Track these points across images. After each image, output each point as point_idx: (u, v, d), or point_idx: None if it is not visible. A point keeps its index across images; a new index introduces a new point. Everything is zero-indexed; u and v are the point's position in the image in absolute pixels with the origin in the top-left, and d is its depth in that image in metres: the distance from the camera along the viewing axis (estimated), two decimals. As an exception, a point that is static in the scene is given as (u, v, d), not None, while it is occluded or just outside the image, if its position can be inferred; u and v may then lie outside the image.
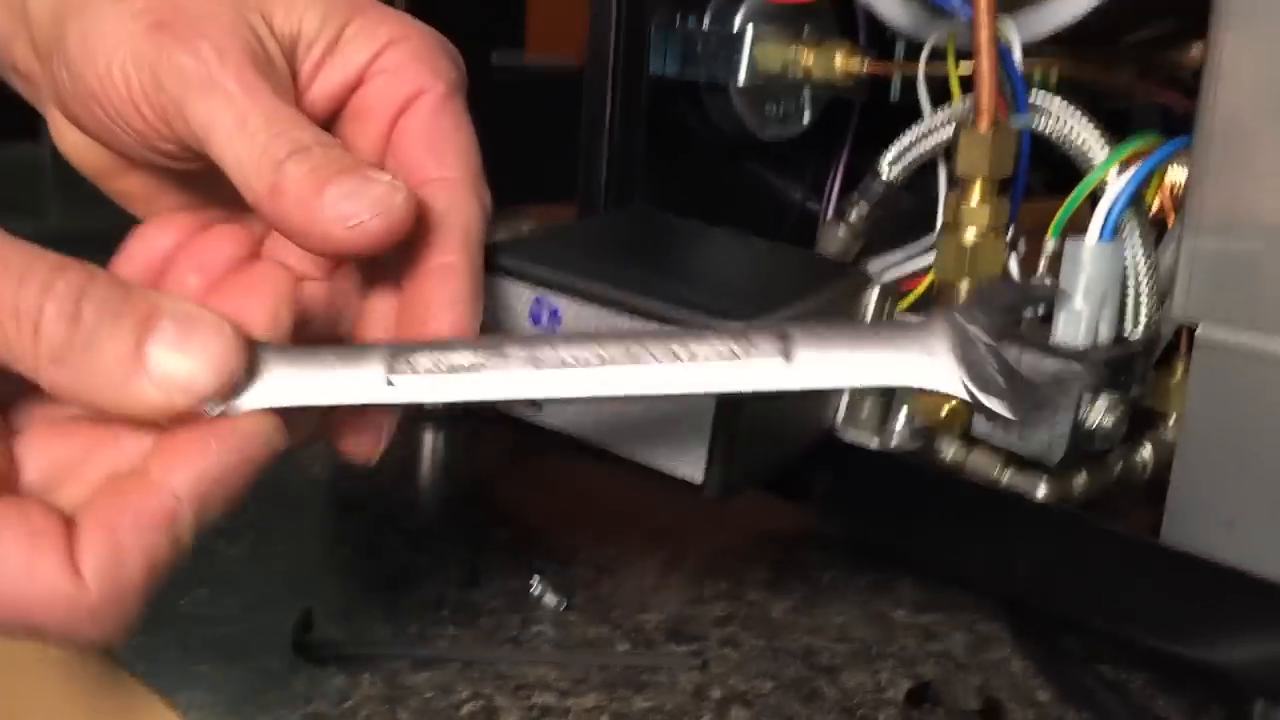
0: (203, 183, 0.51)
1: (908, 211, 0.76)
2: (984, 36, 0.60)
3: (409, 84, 0.49)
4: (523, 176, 0.73)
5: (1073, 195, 0.60)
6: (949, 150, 0.65)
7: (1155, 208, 0.66)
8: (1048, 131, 0.64)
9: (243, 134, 0.43)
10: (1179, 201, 0.63)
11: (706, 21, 0.76)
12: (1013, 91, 0.63)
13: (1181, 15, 0.64)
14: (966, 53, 0.70)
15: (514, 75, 1.41)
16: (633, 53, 0.74)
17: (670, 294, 0.55)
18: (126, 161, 0.50)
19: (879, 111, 0.85)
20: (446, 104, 0.50)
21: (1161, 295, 0.61)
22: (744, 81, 0.76)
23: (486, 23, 1.35)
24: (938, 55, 0.70)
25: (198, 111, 0.44)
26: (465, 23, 0.78)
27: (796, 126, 0.82)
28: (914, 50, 0.72)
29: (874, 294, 0.62)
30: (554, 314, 0.57)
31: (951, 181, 0.64)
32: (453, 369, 0.41)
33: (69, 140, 0.52)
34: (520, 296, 0.58)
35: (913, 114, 0.68)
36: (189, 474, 0.39)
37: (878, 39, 0.81)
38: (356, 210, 0.42)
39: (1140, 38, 0.72)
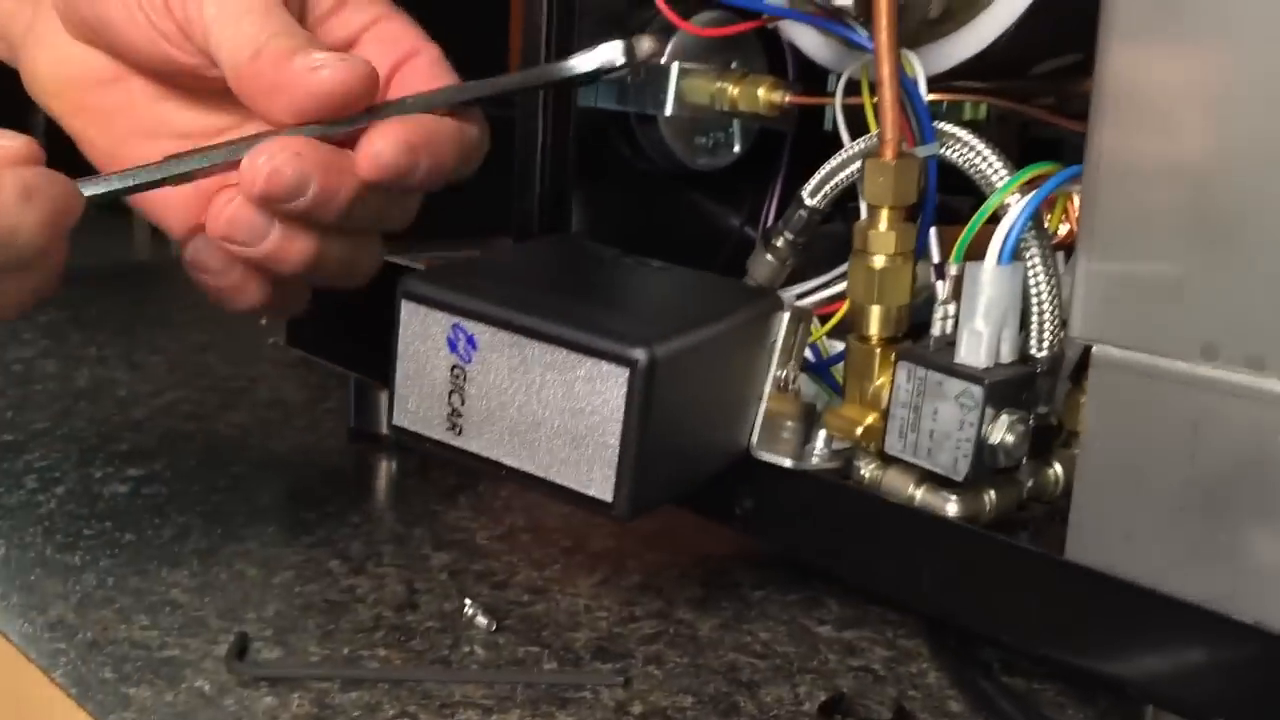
0: (188, 95, 0.61)
1: (838, 237, 0.78)
2: (885, 70, 0.62)
3: (406, 44, 0.61)
4: (460, 208, 0.75)
5: (972, 220, 0.62)
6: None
7: (1066, 232, 0.69)
8: (957, 159, 0.66)
9: (241, 23, 0.53)
10: (1081, 225, 0.64)
11: (633, 55, 0.78)
12: (918, 121, 0.65)
13: (1084, 46, 0.67)
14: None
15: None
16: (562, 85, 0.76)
17: (581, 319, 0.57)
18: (124, 68, 0.60)
19: (815, 140, 0.88)
20: (441, 63, 0.61)
21: (1065, 316, 0.63)
22: (671, 112, 0.78)
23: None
24: (856, 88, 0.73)
25: (209, 7, 0.54)
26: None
27: (727, 156, 0.85)
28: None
29: (785, 318, 0.63)
30: (470, 341, 0.59)
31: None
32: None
33: (53, 55, 0.60)
34: (437, 323, 0.59)
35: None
36: None
37: (809, 71, 0.83)
38: (325, 61, 0.53)
39: (1050, 68, 0.75)
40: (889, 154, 0.64)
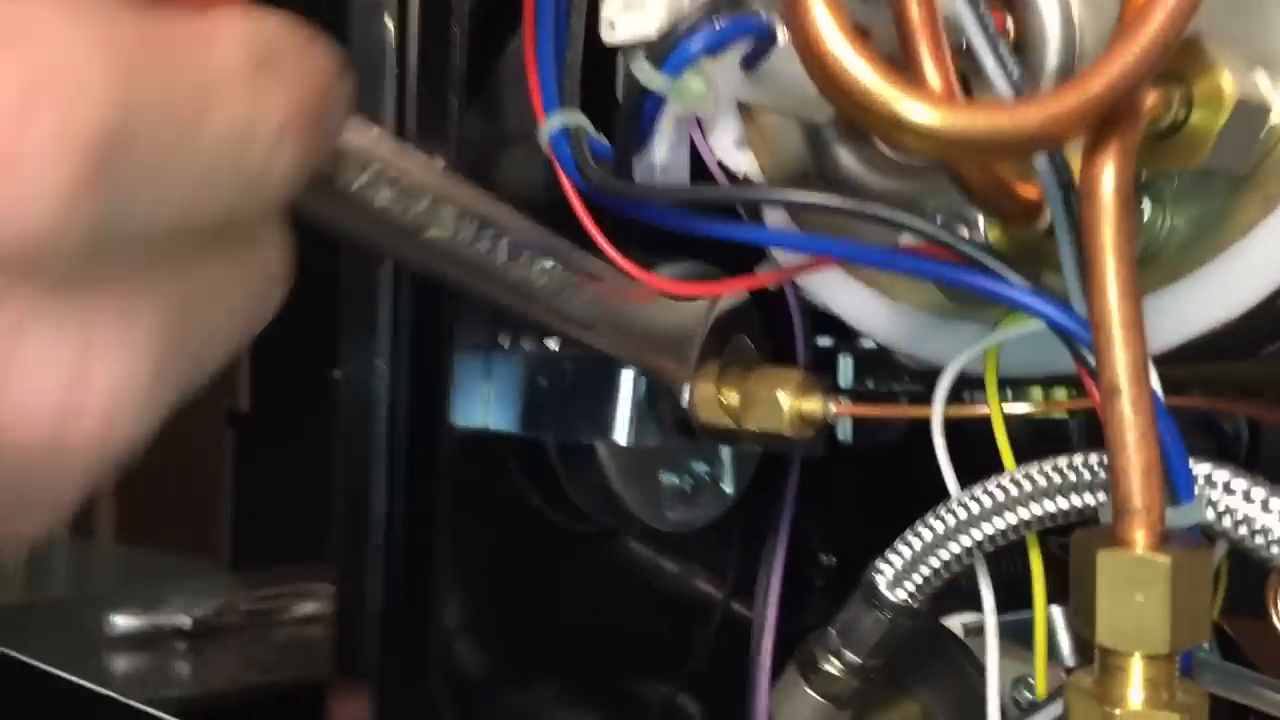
0: None
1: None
2: (1128, 381, 0.29)
3: None
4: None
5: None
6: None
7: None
8: (1227, 529, 0.33)
9: None
10: None
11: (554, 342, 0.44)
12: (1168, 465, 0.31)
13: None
14: (1020, 379, 0.40)
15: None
16: (422, 394, 0.41)
17: None
18: None
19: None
20: None
21: None
22: (628, 440, 0.43)
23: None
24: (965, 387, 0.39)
25: None
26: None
27: (713, 505, 0.50)
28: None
29: None
30: None
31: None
32: None
33: None
34: None
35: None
36: None
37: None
38: None
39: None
40: (1140, 536, 0.30)
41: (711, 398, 0.43)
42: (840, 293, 0.43)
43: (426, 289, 0.41)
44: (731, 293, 0.42)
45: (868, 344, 0.60)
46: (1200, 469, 0.34)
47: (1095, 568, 0.30)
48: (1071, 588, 0.32)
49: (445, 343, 0.42)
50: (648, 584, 0.55)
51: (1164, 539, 0.30)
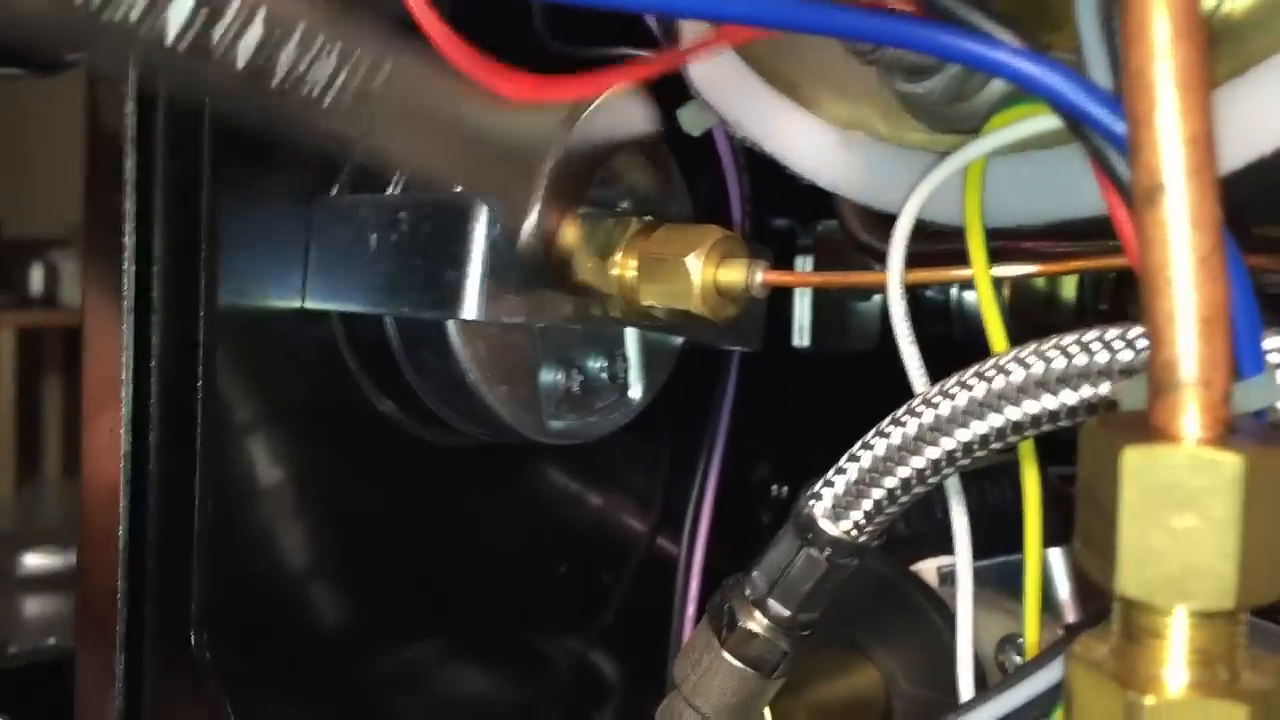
0: None
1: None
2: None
3: None
4: None
5: None
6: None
7: None
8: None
9: None
10: None
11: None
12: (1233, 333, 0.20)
13: None
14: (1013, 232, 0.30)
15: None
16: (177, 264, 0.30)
17: None
18: None
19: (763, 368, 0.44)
20: None
21: None
22: (478, 314, 0.32)
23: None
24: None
25: None
26: None
27: (614, 413, 0.38)
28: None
29: None
30: None
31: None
32: None
33: None
34: None
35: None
36: None
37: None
38: None
39: None
40: (1193, 424, 0.18)
41: (579, 248, 0.32)
42: (771, 119, 0.32)
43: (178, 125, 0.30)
44: (595, 93, 0.31)
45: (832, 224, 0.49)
46: (1274, 340, 0.23)
47: (1118, 473, 0.19)
48: (1078, 506, 0.21)
49: (200, 195, 0.31)
50: (548, 514, 0.44)
51: (1229, 429, 0.19)
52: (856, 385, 0.55)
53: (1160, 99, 0.19)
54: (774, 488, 0.52)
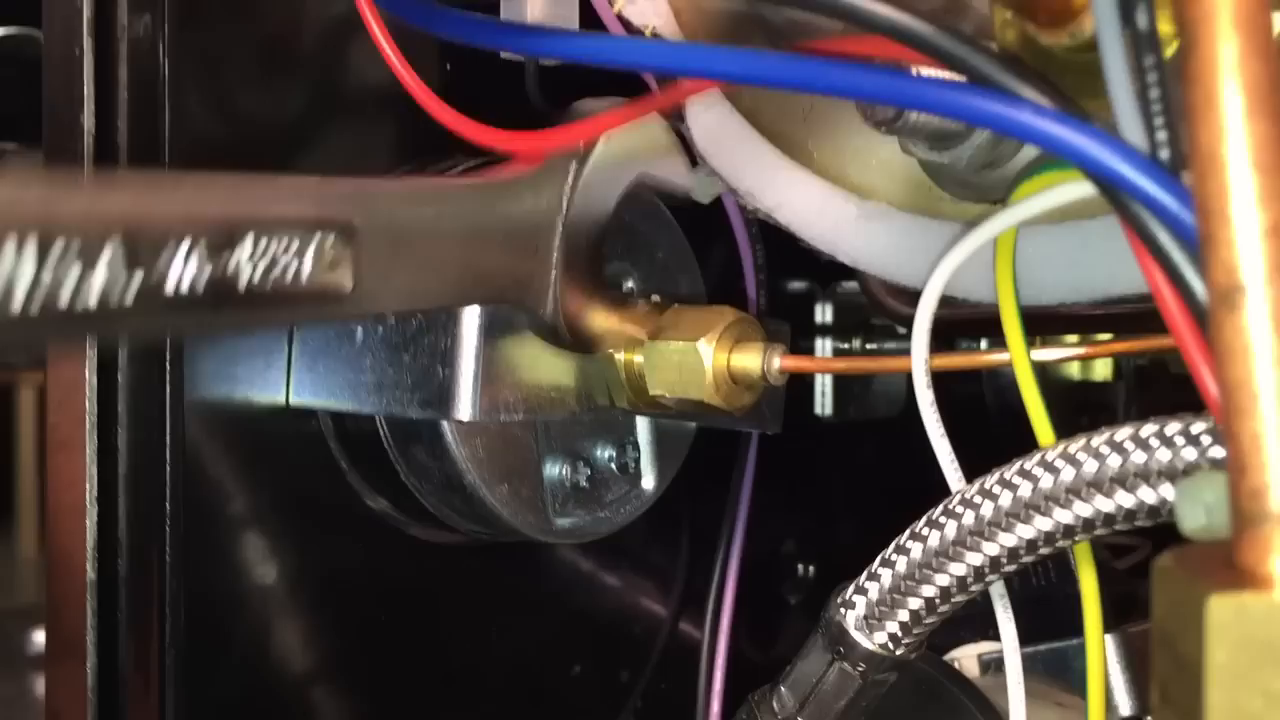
0: None
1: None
2: None
3: None
4: None
5: None
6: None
7: None
8: None
9: None
10: None
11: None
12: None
13: None
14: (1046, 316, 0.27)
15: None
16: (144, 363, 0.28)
17: None
18: None
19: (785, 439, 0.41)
20: None
21: None
22: (471, 415, 0.29)
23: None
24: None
25: None
26: None
27: (626, 504, 0.36)
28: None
29: None
30: None
31: None
32: None
33: None
34: None
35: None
36: None
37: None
38: None
39: None
40: (1290, 567, 0.16)
41: (603, 332, 0.29)
42: (784, 188, 0.29)
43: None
44: (591, 136, 0.28)
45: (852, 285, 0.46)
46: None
47: (1203, 626, 0.16)
48: (1153, 655, 0.18)
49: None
50: (560, 610, 0.41)
51: (1333, 570, 0.16)
52: (883, 454, 0.52)
53: (1234, 184, 0.16)
54: (800, 566, 0.50)
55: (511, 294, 0.28)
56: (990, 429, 0.51)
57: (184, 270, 0.20)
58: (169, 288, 0.20)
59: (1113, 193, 0.19)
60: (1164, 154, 0.19)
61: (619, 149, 0.30)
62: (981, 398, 0.52)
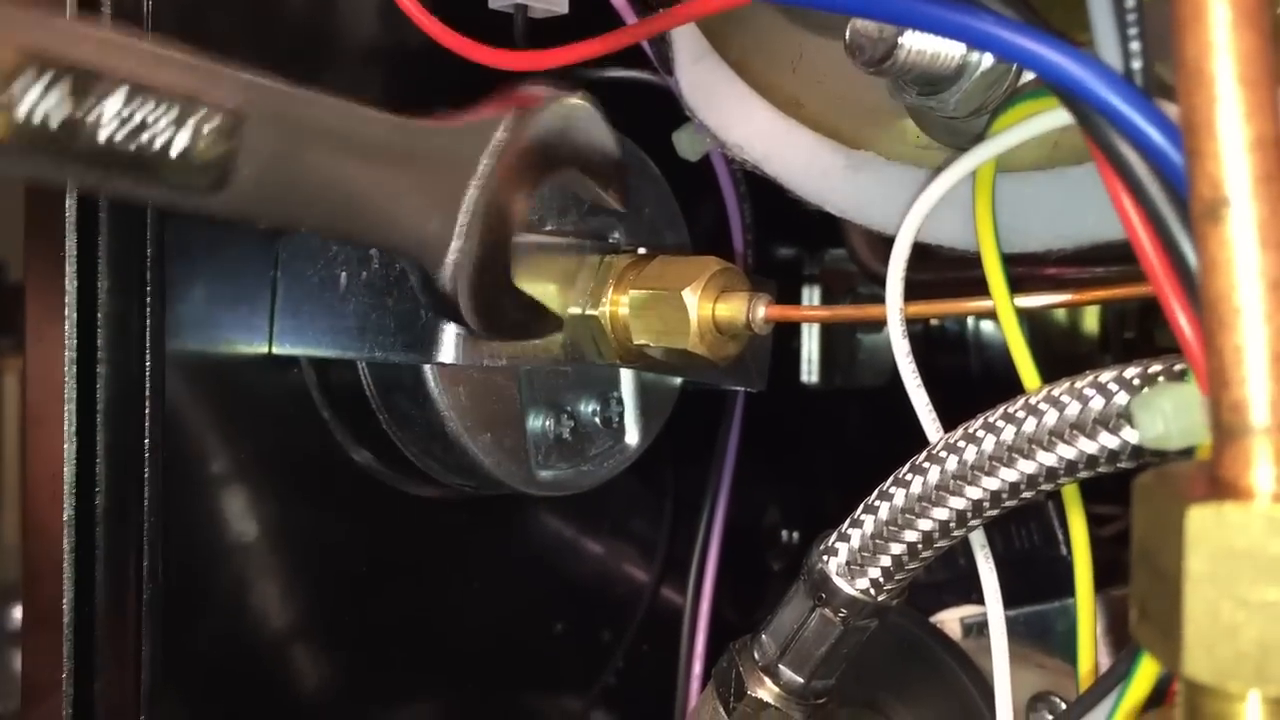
0: None
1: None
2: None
3: None
4: None
5: None
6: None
7: None
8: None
9: None
10: None
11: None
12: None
13: None
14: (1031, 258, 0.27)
15: None
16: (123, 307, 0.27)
17: None
18: None
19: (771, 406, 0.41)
20: None
21: None
22: (453, 358, 0.29)
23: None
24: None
25: None
26: None
27: (608, 459, 0.36)
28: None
29: None
30: None
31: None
32: None
33: None
34: None
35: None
36: None
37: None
38: None
39: None
40: (1269, 477, 0.16)
41: (542, 281, 0.29)
42: (772, 139, 0.29)
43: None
44: (576, 60, 0.28)
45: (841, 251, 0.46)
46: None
47: (1182, 537, 0.16)
48: (1132, 572, 0.18)
49: (145, 233, 0.28)
50: (543, 568, 0.41)
51: (1311, 482, 0.16)
52: (870, 422, 0.52)
53: (1221, 97, 0.16)
54: (784, 533, 0.50)
55: (405, 246, 0.27)
56: (976, 401, 0.51)
57: (39, 102, 0.20)
58: (18, 113, 0.20)
59: (1083, 111, 0.19)
60: (1139, 80, 0.19)
61: (552, 123, 0.29)
62: (968, 369, 0.52)
